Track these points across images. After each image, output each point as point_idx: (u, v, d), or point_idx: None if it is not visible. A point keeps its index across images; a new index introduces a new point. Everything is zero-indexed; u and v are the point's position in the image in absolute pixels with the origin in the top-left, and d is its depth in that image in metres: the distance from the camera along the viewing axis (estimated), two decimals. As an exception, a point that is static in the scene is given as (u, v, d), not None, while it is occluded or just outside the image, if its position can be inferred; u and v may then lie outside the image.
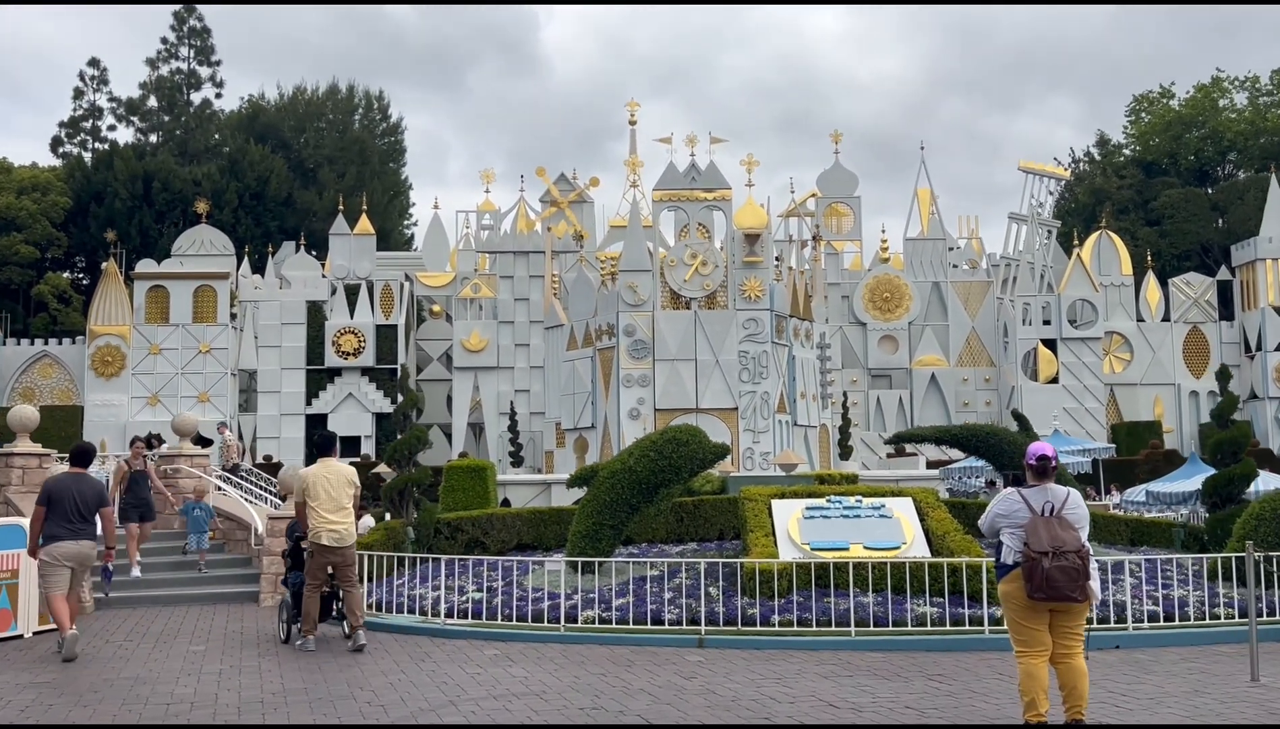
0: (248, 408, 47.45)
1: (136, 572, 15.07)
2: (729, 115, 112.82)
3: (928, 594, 11.23)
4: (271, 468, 38.06)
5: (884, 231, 50.70)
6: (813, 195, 49.95)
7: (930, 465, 36.75)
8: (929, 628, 10.84)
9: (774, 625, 10.92)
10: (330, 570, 10.81)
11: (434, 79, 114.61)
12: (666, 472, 12.56)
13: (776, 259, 38.18)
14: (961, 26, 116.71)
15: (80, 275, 60.69)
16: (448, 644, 10.90)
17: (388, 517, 15.82)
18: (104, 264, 47.99)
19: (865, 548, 12.13)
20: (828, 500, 13.05)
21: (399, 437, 15.29)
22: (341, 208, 48.60)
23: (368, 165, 62.84)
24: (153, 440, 22.48)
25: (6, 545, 11.57)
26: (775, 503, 13.06)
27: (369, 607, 12.74)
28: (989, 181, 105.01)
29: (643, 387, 33.89)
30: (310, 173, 62.14)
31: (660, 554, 14.16)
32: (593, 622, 11.16)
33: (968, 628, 10.82)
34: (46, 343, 49.84)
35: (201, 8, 63.83)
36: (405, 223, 69.82)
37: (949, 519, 12.87)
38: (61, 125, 62.50)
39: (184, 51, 62.82)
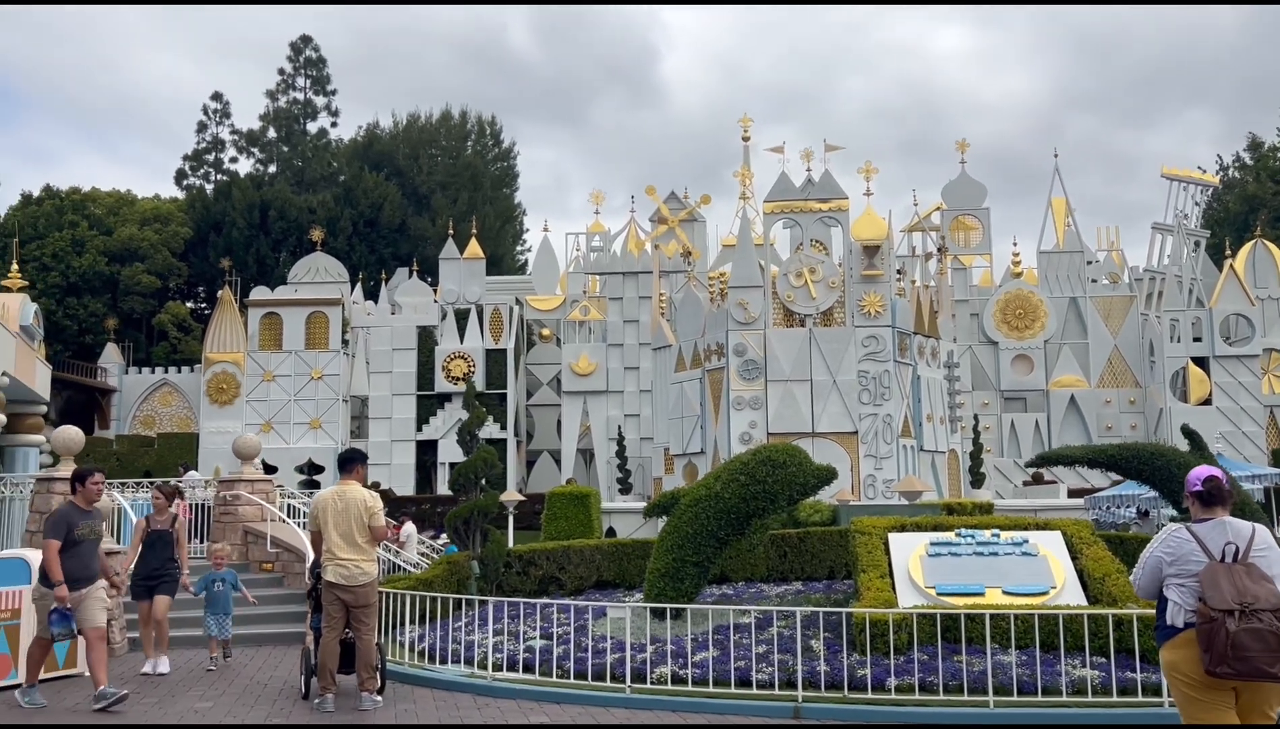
0: (359, 434, 47.03)
1: (163, 666, 11.09)
2: (849, 139, 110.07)
3: (1087, 653, 8.96)
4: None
5: (1015, 244, 47.65)
6: (938, 208, 47.26)
7: (1072, 494, 33.74)
8: (1089, 698, 8.57)
9: (890, 690, 8.79)
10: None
11: (558, 114, 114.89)
12: (760, 499, 10.56)
13: (899, 273, 35.73)
14: (1091, 42, 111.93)
15: (202, 305, 61.60)
16: (493, 706, 9.10)
17: (443, 538, 14.17)
18: (219, 292, 48.28)
19: (1005, 593, 9.91)
20: (957, 534, 10.84)
21: (465, 459, 13.61)
22: (452, 233, 47.95)
23: (480, 191, 62.42)
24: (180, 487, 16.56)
25: (7, 582, 10.25)
26: (893, 537, 10.92)
27: (419, 654, 11.07)
28: (1123, 200, 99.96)
29: (754, 409, 31.78)
30: (423, 199, 62.00)
31: (758, 595, 12.14)
32: (665, 681, 9.20)
33: (1140, 698, 8.52)
34: (166, 371, 50.43)
35: (319, 40, 64.64)
36: (519, 248, 69.26)
37: (1108, 557, 10.55)
38: (185, 158, 63.80)
39: (300, 82, 63.52)
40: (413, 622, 11.56)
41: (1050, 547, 10.68)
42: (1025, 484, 39.57)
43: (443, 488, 42.82)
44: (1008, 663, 8.96)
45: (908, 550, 10.63)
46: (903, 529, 11.16)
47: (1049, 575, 10.23)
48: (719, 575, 13.12)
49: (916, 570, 10.30)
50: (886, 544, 10.80)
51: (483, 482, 13.70)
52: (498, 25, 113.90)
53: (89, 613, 9.29)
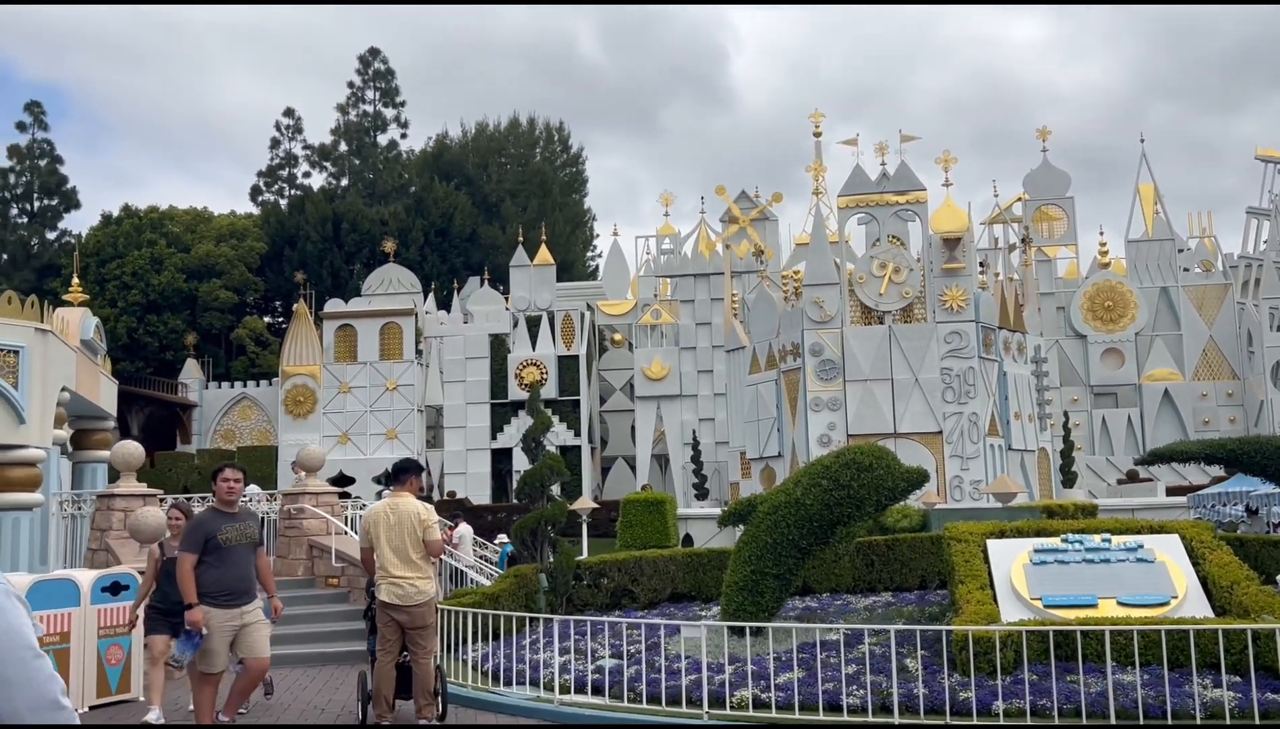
0: (434, 444, 46.94)
1: (152, 715, 9.25)
2: (922, 136, 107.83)
3: (1223, 671, 8.00)
4: (455, 504, 36.90)
5: (1102, 233, 45.87)
6: (1019, 199, 45.75)
7: (1170, 492, 32.17)
8: (1227, 722, 7.61)
9: (997, 715, 7.90)
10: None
11: (627, 121, 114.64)
12: (845, 505, 9.72)
13: (981, 266, 34.47)
14: (1171, 27, 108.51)
15: (280, 319, 62.21)
16: (559, 733, 8.43)
17: (500, 538, 13.55)
18: (295, 306, 48.59)
19: (1119, 604, 8.97)
20: (1063, 540, 9.88)
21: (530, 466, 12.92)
22: (521, 240, 47.69)
23: (549, 197, 62.19)
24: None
25: (56, 604, 9.85)
26: (991, 543, 10.00)
27: (484, 675, 10.44)
28: (1209, 188, 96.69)
29: (833, 410, 30.80)
30: (493, 207, 61.94)
31: (844, 608, 11.29)
32: (746, 705, 8.40)
33: (1287, 724, 7.55)
34: (245, 385, 50.89)
35: (389, 54, 65.03)
36: (590, 254, 68.87)
37: (1235, 563, 9.52)
38: (259, 174, 64.51)
39: (370, 94, 63.87)
40: (480, 640, 10.95)
41: (1168, 552, 9.69)
42: (1120, 483, 37.99)
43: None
44: (1129, 683, 8.01)
45: (1009, 558, 9.71)
46: (1002, 535, 10.22)
47: (1169, 584, 9.24)
48: (801, 587, 12.31)
49: (1020, 580, 9.39)
50: (985, 551, 9.89)
51: (554, 489, 13.07)
52: (566, 32, 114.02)
53: (255, 642, 8.00)
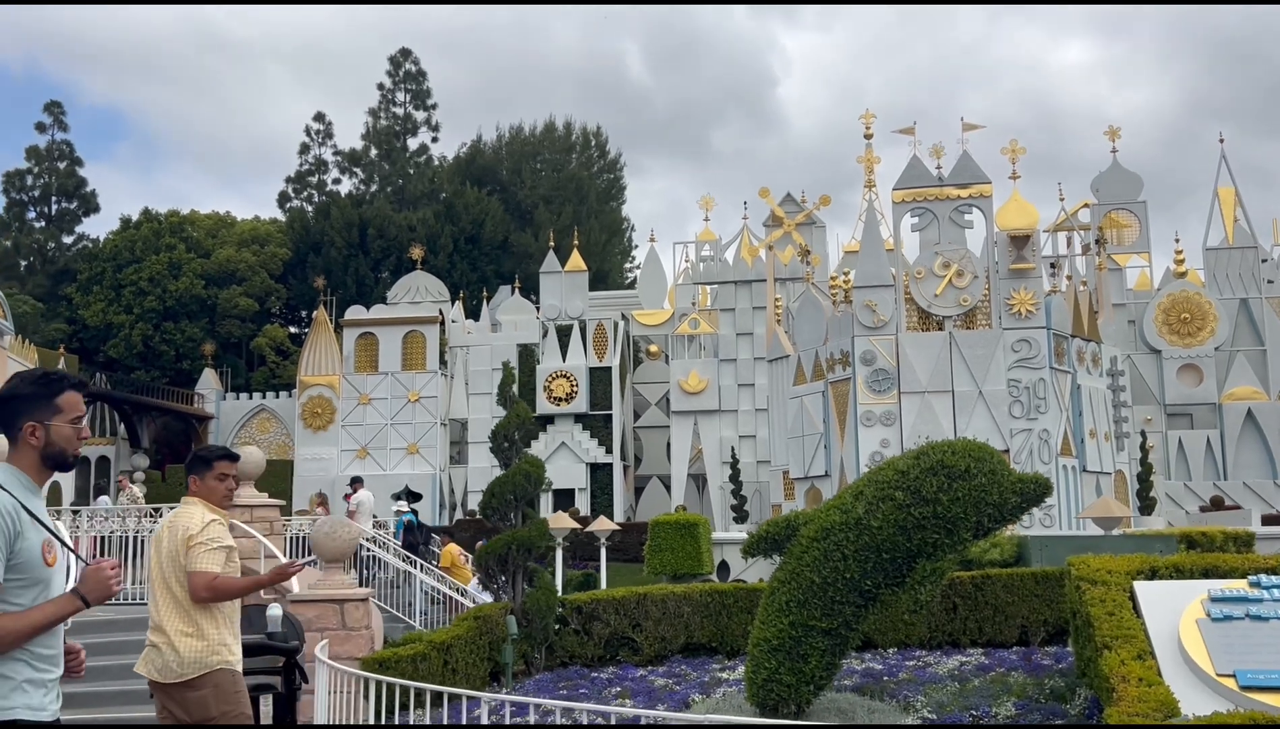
0: (459, 459, 44.31)
1: None
2: (986, 125, 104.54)
3: None
4: (475, 523, 34.06)
5: (1178, 240, 42.27)
6: (1085, 205, 42.38)
7: (1266, 521, 28.65)
8: None
9: None
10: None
11: (675, 144, 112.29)
12: (929, 527, 6.61)
13: (1052, 268, 31.23)
14: (1226, 48, 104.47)
15: (303, 328, 60.05)
16: None
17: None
18: (315, 313, 46.34)
19: (1357, 687, 5.82)
20: (1251, 583, 6.72)
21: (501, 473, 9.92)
22: (553, 245, 45.01)
23: (585, 204, 59.57)
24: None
25: None
26: (1141, 587, 6.83)
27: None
28: (1268, 211, 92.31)
29: (886, 425, 27.64)
30: (526, 214, 59.44)
31: (921, 673, 8.16)
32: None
33: None
34: (264, 396, 48.73)
35: (434, 76, 62.87)
36: (628, 265, 66.18)
37: None
38: (288, 180, 62.48)
39: (400, 96, 61.71)
40: (417, 707, 7.96)
41: None
42: (1202, 510, 34.44)
43: (544, 512, 39.66)
44: None
45: (1172, 610, 6.57)
46: (1154, 574, 7.06)
47: None
48: (859, 640, 9.29)
49: (1195, 645, 6.24)
50: (1133, 598, 6.76)
51: (525, 502, 10.12)
52: (614, 54, 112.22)
53: None
